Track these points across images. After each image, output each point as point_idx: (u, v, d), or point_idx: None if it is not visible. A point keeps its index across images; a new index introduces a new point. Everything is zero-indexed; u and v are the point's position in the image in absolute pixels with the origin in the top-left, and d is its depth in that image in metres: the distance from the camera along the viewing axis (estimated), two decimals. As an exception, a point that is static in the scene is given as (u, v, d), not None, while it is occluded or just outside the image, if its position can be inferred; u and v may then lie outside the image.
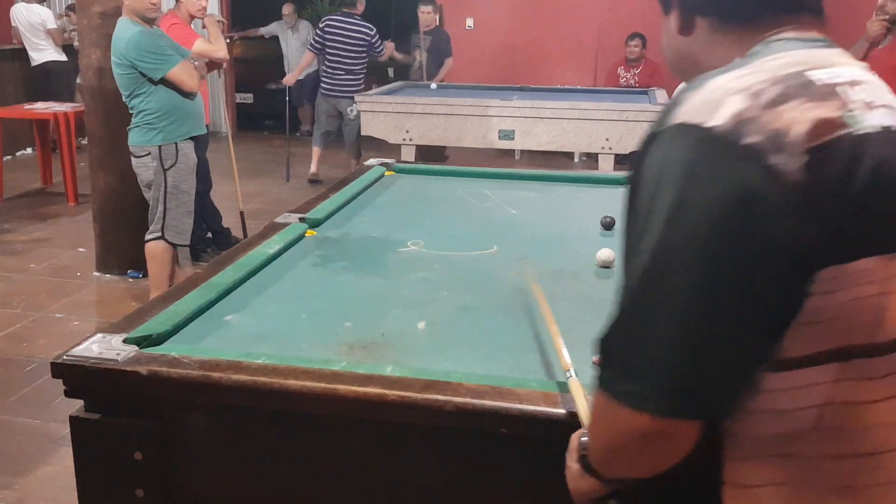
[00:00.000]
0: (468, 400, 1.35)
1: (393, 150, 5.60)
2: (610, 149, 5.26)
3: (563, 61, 8.29)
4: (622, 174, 3.22)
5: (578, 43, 8.29)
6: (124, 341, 1.53)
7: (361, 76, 6.78)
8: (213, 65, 4.21)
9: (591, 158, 7.73)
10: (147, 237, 3.80)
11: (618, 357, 0.90)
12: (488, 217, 2.69)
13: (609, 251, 2.16)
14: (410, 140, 5.45)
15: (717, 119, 0.84)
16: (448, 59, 7.32)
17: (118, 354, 1.48)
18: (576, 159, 8.01)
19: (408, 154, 5.48)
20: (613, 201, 2.87)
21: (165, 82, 3.57)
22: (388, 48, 6.93)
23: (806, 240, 0.82)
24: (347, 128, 6.79)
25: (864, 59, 4.07)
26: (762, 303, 0.84)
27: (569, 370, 1.37)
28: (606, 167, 5.26)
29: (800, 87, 0.87)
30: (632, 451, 0.92)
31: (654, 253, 0.86)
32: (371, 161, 3.35)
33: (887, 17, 3.89)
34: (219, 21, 4.24)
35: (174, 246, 3.84)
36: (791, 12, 0.98)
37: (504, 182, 3.20)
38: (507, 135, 5.35)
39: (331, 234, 2.43)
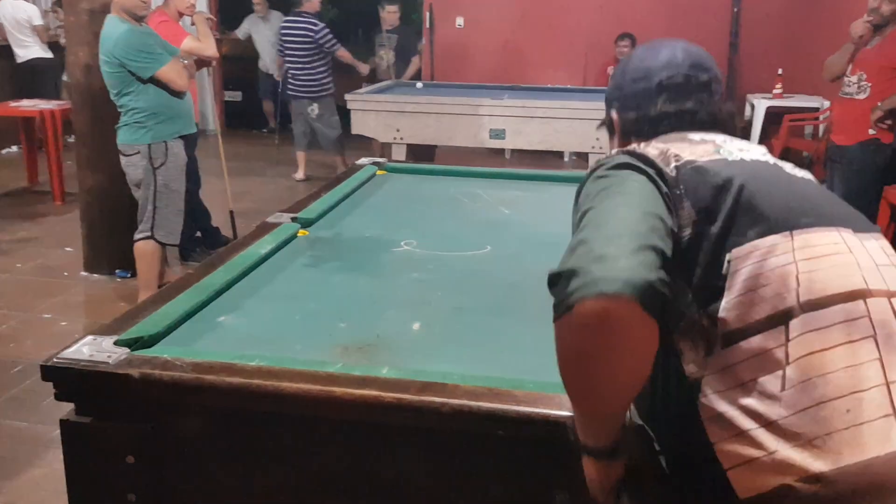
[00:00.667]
0: (465, 402, 1.34)
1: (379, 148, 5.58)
2: (600, 149, 5.25)
3: (553, 61, 8.27)
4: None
5: (568, 42, 8.28)
6: (115, 343, 1.51)
7: (322, 75, 6.71)
8: (202, 63, 4.17)
9: (582, 158, 7.74)
10: (136, 236, 3.76)
11: (566, 271, 0.98)
12: (481, 217, 2.67)
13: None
14: (401, 139, 5.43)
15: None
16: (415, 58, 7.32)
17: (109, 357, 1.46)
18: (566, 158, 8.01)
19: (399, 153, 5.45)
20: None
21: (155, 81, 3.54)
22: (344, 56, 6.87)
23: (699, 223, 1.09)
24: (317, 126, 6.76)
25: (850, 60, 4.08)
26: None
27: None
28: (597, 167, 5.26)
29: (681, 140, 1.26)
30: (592, 349, 0.96)
31: (600, 196, 1.11)
32: (362, 160, 3.33)
33: (872, 18, 3.90)
34: (207, 18, 4.21)
35: (163, 245, 3.81)
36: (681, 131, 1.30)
37: (496, 182, 3.19)
38: (497, 134, 5.34)
39: (323, 233, 2.41)
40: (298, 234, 2.36)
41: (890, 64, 3.88)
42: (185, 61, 3.78)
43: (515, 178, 3.27)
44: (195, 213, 4.49)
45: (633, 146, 1.23)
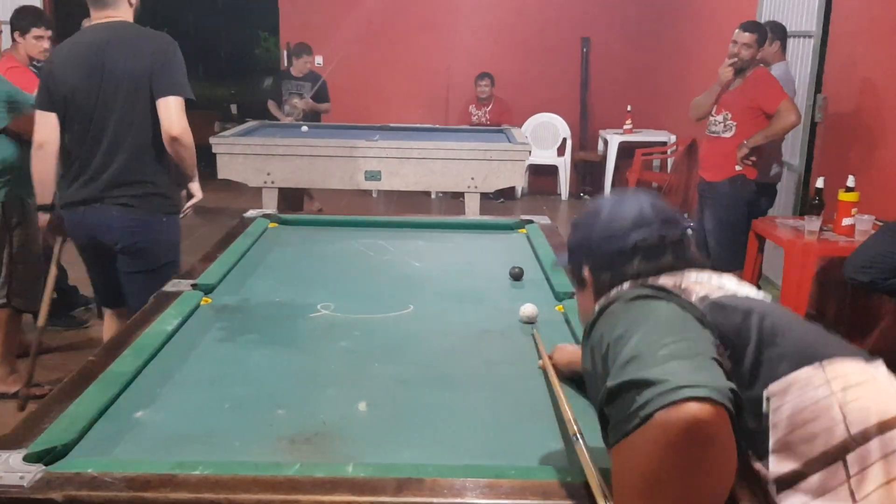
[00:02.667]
0: (450, 500, 1.23)
1: (253, 193, 5.34)
2: (476, 187, 5.26)
3: (416, 100, 8.29)
4: (511, 220, 3.20)
5: (429, 82, 8.34)
6: (25, 459, 1.28)
7: None
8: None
9: (447, 196, 7.78)
10: (-11, 304, 3.36)
11: (632, 382, 0.92)
12: (393, 272, 2.56)
13: (532, 307, 2.10)
14: (272, 183, 5.20)
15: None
16: (326, 104, 7.13)
17: (22, 478, 1.23)
18: (433, 196, 8.02)
19: (269, 197, 5.23)
20: (510, 248, 2.84)
21: (8, 132, 3.19)
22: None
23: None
24: None
25: (716, 102, 4.31)
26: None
27: (576, 434, 1.29)
28: (473, 206, 5.26)
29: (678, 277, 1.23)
30: (683, 462, 0.87)
31: (635, 321, 1.05)
32: (251, 213, 3.13)
33: (736, 60, 4.14)
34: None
35: (21, 313, 3.42)
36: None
37: (395, 231, 3.09)
38: (373, 175, 5.23)
39: (228, 300, 2.22)
40: (202, 303, 2.16)
41: (752, 104, 4.12)
42: (42, 110, 3.43)
43: (414, 227, 3.17)
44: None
45: (643, 281, 1.20)
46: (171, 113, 2.63)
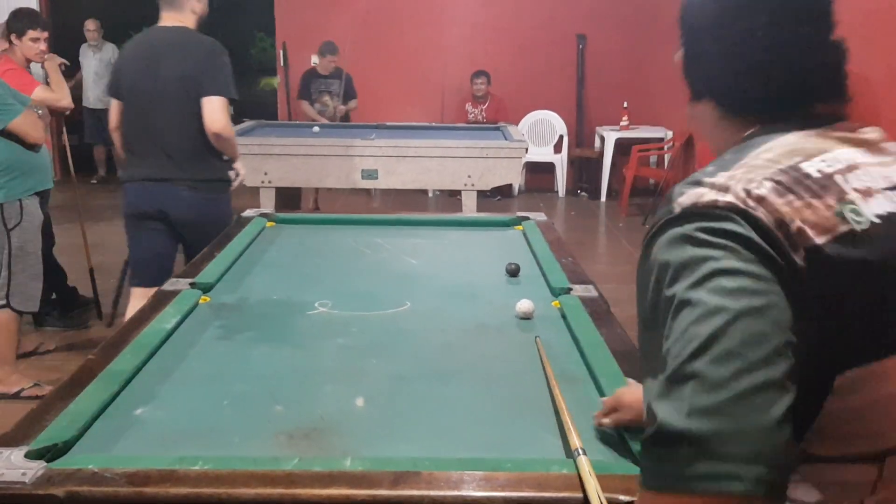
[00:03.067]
0: (446, 492, 1.24)
1: (250, 193, 5.35)
2: (472, 185, 5.28)
3: (411, 99, 8.31)
4: (507, 217, 3.21)
5: (424, 80, 8.35)
6: (26, 456, 1.30)
7: None
8: (54, 112, 3.82)
9: (444, 194, 7.80)
10: (-11, 306, 3.37)
11: (687, 436, 0.77)
12: (390, 270, 2.58)
13: (528, 302, 2.11)
14: (269, 182, 5.22)
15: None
16: (354, 101, 7.19)
17: (24, 475, 1.24)
18: (430, 195, 8.04)
19: (267, 197, 5.24)
20: (507, 245, 2.86)
21: (6, 134, 3.20)
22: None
23: (813, 337, 0.82)
24: None
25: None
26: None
27: (577, 449, 1.28)
28: (470, 204, 5.28)
29: (794, 183, 0.87)
30: None
31: (701, 285, 0.82)
32: (249, 212, 3.15)
33: None
34: (60, 64, 3.87)
35: (20, 314, 3.43)
36: (796, 108, 0.98)
37: (392, 229, 3.11)
38: (370, 174, 5.24)
39: (227, 299, 2.24)
40: (200, 301, 2.17)
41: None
42: (39, 111, 3.45)
43: (410, 225, 3.19)
44: (49, 274, 4.09)
45: (737, 199, 0.85)
46: (215, 111, 3.03)
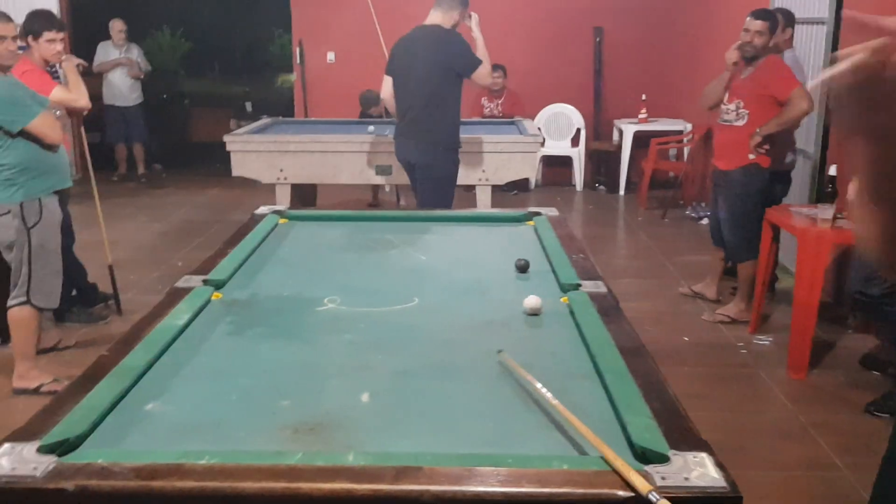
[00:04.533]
0: (447, 487, 1.26)
1: (267, 189, 5.40)
2: (487, 180, 5.29)
3: (428, 92, 8.31)
4: (519, 212, 3.22)
5: (441, 74, 8.35)
6: (38, 451, 1.33)
7: None
8: (73, 112, 3.88)
9: (459, 189, 7.78)
10: (10, 303, 3.42)
11: None
12: (399, 265, 2.60)
13: (536, 298, 2.12)
14: (285, 179, 5.26)
15: None
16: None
17: (35, 469, 1.28)
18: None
19: (283, 193, 5.28)
20: (517, 241, 2.86)
21: (25, 134, 3.25)
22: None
23: None
24: None
25: (727, 89, 4.30)
26: None
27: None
28: (484, 199, 5.28)
29: None
30: None
31: None
32: (262, 209, 3.18)
33: (746, 51, 4.13)
34: (77, 65, 3.92)
35: (41, 310, 3.49)
36: None
37: (403, 225, 3.13)
38: (384, 170, 5.27)
39: (238, 295, 2.27)
40: (213, 298, 2.21)
41: (764, 92, 4.11)
42: (57, 112, 3.50)
43: (421, 221, 3.21)
44: (70, 270, 4.15)
45: None
46: (483, 76, 4.32)
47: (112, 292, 4.49)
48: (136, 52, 8.35)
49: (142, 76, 8.37)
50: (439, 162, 4.34)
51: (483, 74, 4.29)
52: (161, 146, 9.36)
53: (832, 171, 3.92)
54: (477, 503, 1.25)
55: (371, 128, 5.68)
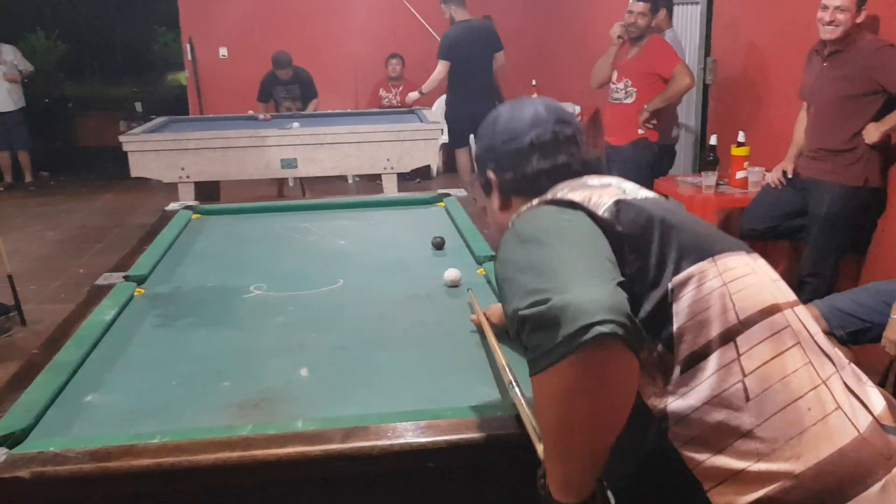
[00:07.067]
0: (394, 441, 1.35)
1: (167, 189, 5.31)
2: (392, 168, 5.37)
3: (324, 86, 8.28)
4: (429, 195, 3.32)
5: (336, 67, 8.36)
6: (-13, 445, 1.35)
7: None
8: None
9: (364, 179, 7.85)
10: None
11: (546, 313, 0.98)
12: (319, 251, 2.65)
13: (455, 271, 2.23)
14: (188, 177, 5.19)
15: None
16: (315, 100, 7.13)
17: (-13, 461, 1.29)
18: (350, 181, 8.07)
19: (186, 192, 5.21)
20: (430, 221, 2.96)
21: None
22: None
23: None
24: None
25: (613, 67, 4.52)
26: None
27: (511, 382, 1.39)
28: (391, 186, 5.37)
29: (581, 186, 1.29)
30: (584, 398, 0.97)
31: (541, 240, 1.13)
32: (173, 205, 3.17)
33: (631, 32, 4.36)
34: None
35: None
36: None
37: (316, 213, 3.17)
38: (289, 163, 5.27)
39: (161, 289, 2.28)
40: (135, 294, 2.21)
41: (649, 70, 4.36)
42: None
43: (334, 208, 3.26)
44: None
45: (553, 195, 1.27)
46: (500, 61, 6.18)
47: (14, 304, 4.34)
48: (11, 54, 7.99)
49: (19, 80, 8.00)
50: None
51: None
52: (47, 153, 8.99)
53: (713, 140, 4.19)
54: (422, 452, 1.34)
55: (295, 123, 5.67)
